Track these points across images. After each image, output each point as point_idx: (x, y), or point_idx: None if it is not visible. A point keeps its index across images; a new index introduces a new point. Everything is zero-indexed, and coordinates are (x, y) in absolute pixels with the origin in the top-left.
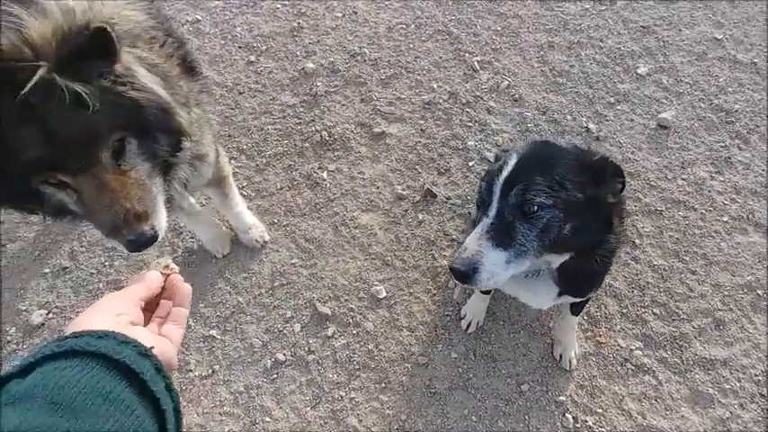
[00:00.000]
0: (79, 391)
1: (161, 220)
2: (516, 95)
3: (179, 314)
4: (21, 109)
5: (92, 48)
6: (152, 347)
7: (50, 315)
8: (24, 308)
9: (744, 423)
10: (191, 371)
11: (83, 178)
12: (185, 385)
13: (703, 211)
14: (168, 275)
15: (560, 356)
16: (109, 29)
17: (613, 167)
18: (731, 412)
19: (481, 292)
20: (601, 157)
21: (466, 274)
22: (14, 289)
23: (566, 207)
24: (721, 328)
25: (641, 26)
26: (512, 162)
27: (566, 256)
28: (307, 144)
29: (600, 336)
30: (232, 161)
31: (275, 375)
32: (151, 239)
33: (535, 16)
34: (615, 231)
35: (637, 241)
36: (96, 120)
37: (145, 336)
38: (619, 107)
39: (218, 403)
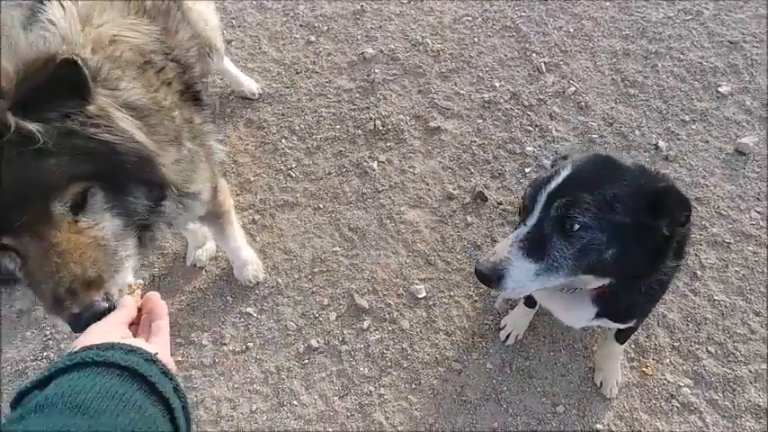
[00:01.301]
0: (95, 395)
1: (121, 290)
2: (582, 103)
3: (159, 328)
4: None
5: (58, 83)
6: (156, 353)
7: None
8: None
9: None
10: (225, 344)
11: (28, 239)
12: (219, 358)
13: None
14: (143, 294)
15: (601, 383)
16: (79, 61)
17: (678, 197)
18: None
19: (525, 304)
20: (666, 183)
21: (490, 278)
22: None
23: (610, 231)
24: None
25: (729, 41)
26: (564, 173)
27: (605, 280)
28: (359, 131)
29: (647, 367)
30: (283, 140)
31: (307, 361)
32: (103, 313)
33: (612, 20)
34: (667, 264)
35: (698, 272)
36: (52, 167)
37: (144, 345)
38: (693, 126)
39: (248, 380)
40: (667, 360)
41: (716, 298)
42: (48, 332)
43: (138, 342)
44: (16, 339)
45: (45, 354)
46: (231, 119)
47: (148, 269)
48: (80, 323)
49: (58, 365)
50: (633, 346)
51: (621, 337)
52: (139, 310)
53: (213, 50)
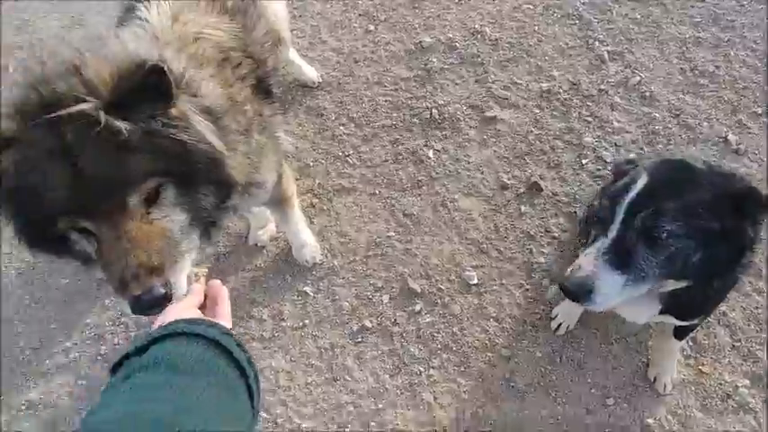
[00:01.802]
0: (190, 359)
1: (179, 280)
2: (647, 93)
3: (223, 312)
4: (56, 146)
5: (146, 87)
6: (231, 328)
7: None
8: None
9: None
10: (283, 320)
11: (104, 225)
12: (278, 332)
13: None
14: (208, 280)
15: (655, 378)
16: (165, 68)
17: (759, 197)
18: None
19: None
20: (747, 184)
21: (578, 294)
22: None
23: (698, 237)
24: None
25: None
26: (641, 182)
27: (683, 283)
28: (416, 120)
29: (703, 365)
30: (341, 127)
31: (359, 339)
32: (161, 299)
33: (682, 7)
34: (744, 262)
35: (764, 271)
36: (133, 163)
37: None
38: (766, 119)
39: (304, 354)
40: (726, 359)
41: None
42: None
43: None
44: (96, 306)
45: (122, 320)
46: (292, 106)
47: (214, 247)
48: (140, 305)
49: (155, 335)
50: (691, 343)
51: (681, 333)
52: (205, 296)
53: (281, 42)
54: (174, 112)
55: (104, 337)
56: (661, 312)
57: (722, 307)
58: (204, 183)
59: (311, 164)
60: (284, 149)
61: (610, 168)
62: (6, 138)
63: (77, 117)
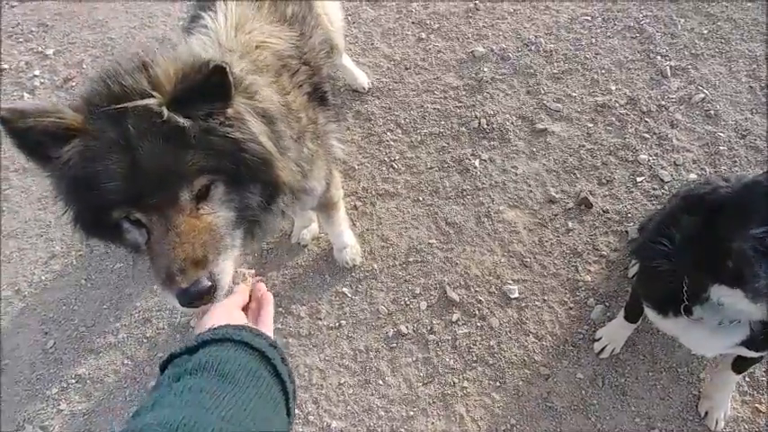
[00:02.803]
0: (236, 367)
1: (223, 272)
2: (711, 111)
3: (266, 318)
4: (118, 138)
5: (207, 86)
6: (276, 339)
7: None
8: None
9: None
10: (320, 319)
11: (155, 217)
12: (314, 331)
13: None
14: (254, 283)
15: (706, 413)
16: (227, 68)
17: None
18: None
19: (627, 319)
20: None
21: None
22: None
23: None
24: None
25: None
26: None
27: None
28: (463, 129)
29: (761, 404)
30: (388, 133)
31: (394, 344)
32: (206, 291)
33: (754, 22)
34: None
35: None
36: (188, 159)
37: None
38: None
39: (338, 354)
40: None
41: None
42: None
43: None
44: (145, 291)
45: (168, 306)
46: (341, 110)
47: (259, 244)
48: (187, 297)
49: (205, 338)
50: (748, 379)
51: (742, 366)
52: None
53: (335, 49)
54: (230, 111)
55: (151, 321)
56: (737, 344)
57: None
58: (253, 182)
59: (357, 167)
60: (338, 157)
61: (673, 192)
62: (73, 128)
63: (141, 111)
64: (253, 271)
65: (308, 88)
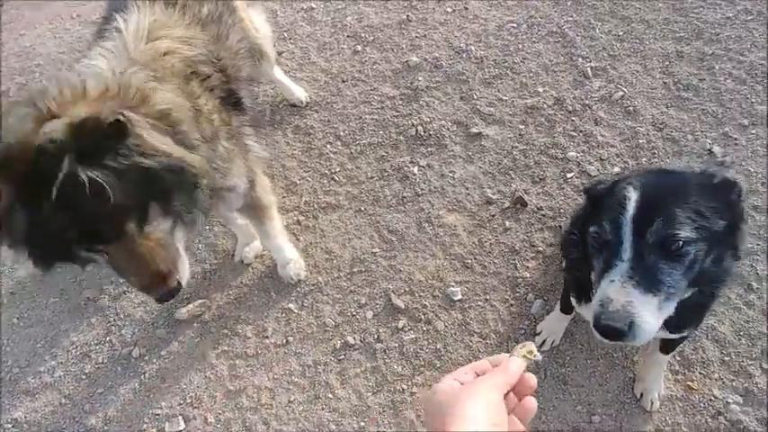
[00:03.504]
0: None
1: (184, 272)
2: (630, 107)
3: (527, 409)
4: (56, 198)
5: (109, 134)
6: None
7: None
8: None
9: None
10: (267, 337)
11: (113, 247)
12: (261, 350)
13: None
14: (533, 362)
15: (642, 394)
16: (127, 123)
17: (739, 188)
18: None
19: (562, 311)
20: (722, 177)
21: (621, 330)
22: None
23: (709, 238)
24: None
25: None
26: (633, 196)
27: (689, 292)
28: (401, 137)
29: (692, 381)
30: (328, 146)
31: (342, 356)
32: (176, 291)
33: (665, 22)
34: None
35: (754, 284)
36: (121, 200)
37: None
38: (753, 131)
39: (287, 372)
40: (716, 375)
41: None
42: (111, 319)
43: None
44: (83, 324)
45: (108, 338)
46: (280, 126)
47: (201, 264)
48: (162, 299)
49: None
50: (678, 358)
51: (669, 347)
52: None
53: (263, 57)
54: (130, 139)
55: (89, 356)
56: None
57: (710, 320)
58: (177, 191)
59: (298, 182)
60: (259, 156)
61: (583, 190)
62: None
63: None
64: (535, 349)
65: (220, 93)
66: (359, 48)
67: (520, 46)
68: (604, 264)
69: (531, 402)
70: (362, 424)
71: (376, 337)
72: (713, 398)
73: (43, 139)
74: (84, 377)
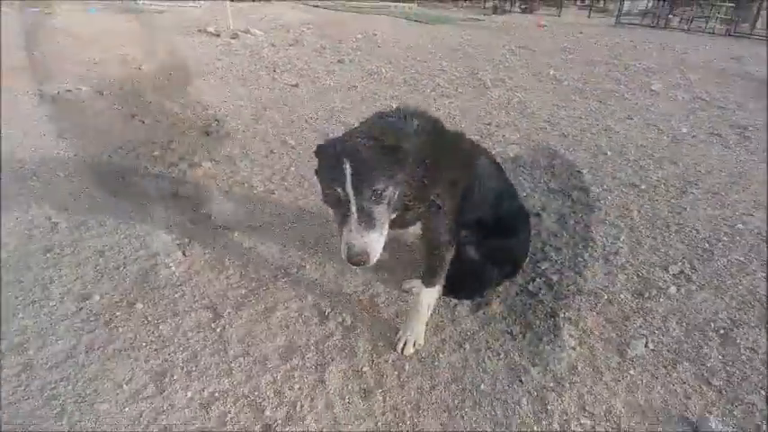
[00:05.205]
0: None
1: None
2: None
3: None
4: None
5: None
6: None
7: None
8: None
9: None
10: None
11: None
12: None
13: None
14: None
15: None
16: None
17: (402, 149)
18: None
19: None
20: (390, 144)
21: (364, 257)
22: None
23: (393, 183)
24: None
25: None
26: (348, 166)
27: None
28: None
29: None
30: None
31: None
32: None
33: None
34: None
35: None
36: None
37: None
38: (631, 121)
39: None
40: None
41: None
42: None
43: None
44: None
45: None
46: None
47: None
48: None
49: None
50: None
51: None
52: None
53: None
54: None
55: None
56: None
57: None
58: None
59: None
60: None
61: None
62: None
63: None
64: None
65: None
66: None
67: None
68: (342, 217)
69: None
70: None
71: None
72: None
73: None
74: None
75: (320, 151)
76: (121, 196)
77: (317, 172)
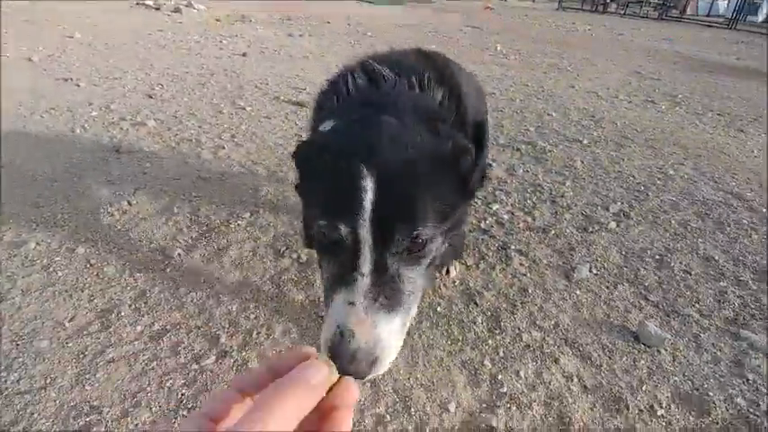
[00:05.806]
0: None
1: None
2: None
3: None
4: None
5: None
6: None
7: None
8: None
9: None
10: None
11: None
12: None
13: None
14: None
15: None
16: None
17: (471, 152)
18: None
19: None
20: (454, 142)
21: (368, 371)
22: None
23: (447, 221)
24: None
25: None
26: (370, 186)
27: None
28: None
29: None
30: None
31: None
32: None
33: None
34: None
35: None
36: None
37: None
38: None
39: None
40: None
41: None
42: None
43: None
44: None
45: None
46: None
47: None
48: None
49: None
50: None
51: None
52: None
53: None
54: None
55: None
56: None
57: None
58: None
59: None
60: None
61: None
62: None
63: None
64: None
65: None
66: None
67: None
68: (338, 275)
69: (344, 423)
70: None
71: None
72: None
73: None
74: None
75: (307, 153)
76: (55, 156)
77: (297, 188)
